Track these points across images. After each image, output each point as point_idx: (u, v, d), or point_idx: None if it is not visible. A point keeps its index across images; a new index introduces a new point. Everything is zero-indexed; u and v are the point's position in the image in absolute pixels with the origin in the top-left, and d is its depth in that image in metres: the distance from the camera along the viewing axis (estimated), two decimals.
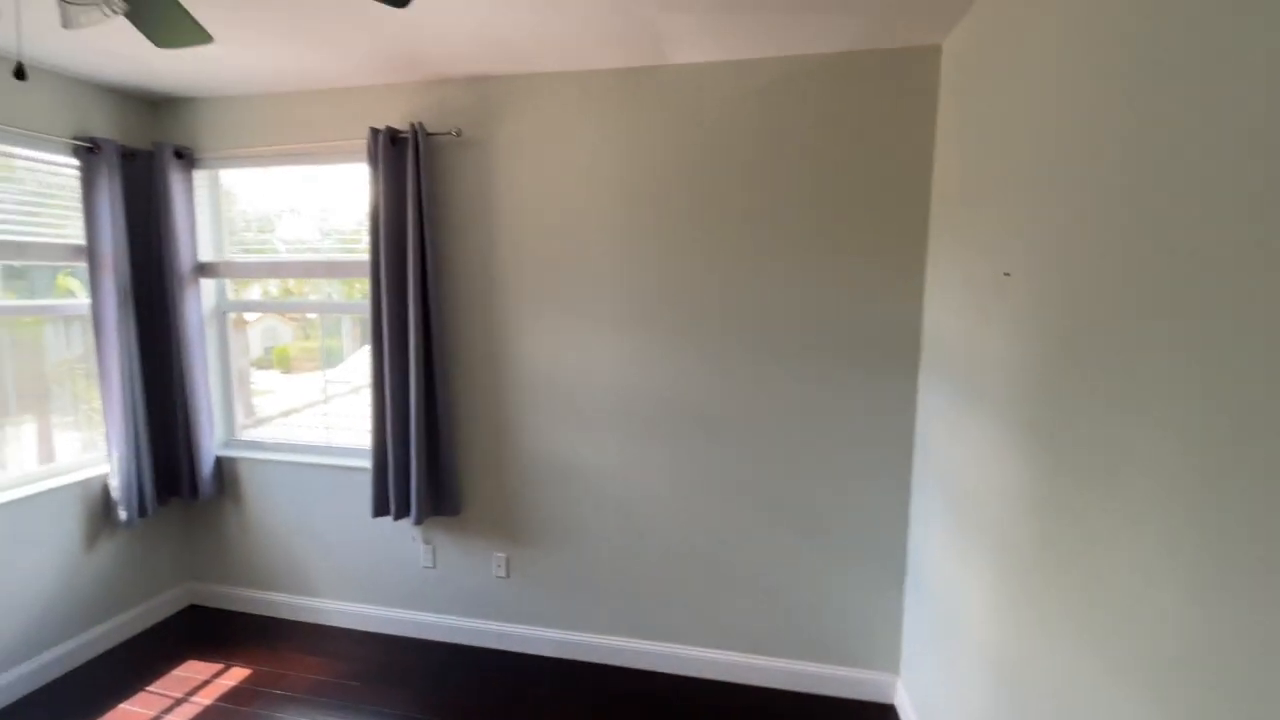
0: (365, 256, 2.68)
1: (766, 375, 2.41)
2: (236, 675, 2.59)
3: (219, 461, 3.02)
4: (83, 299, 2.71)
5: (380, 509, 2.71)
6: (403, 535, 2.85)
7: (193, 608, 3.12)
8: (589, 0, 1.88)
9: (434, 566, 2.83)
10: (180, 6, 1.31)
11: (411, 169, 2.51)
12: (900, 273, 2.27)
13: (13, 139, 2.39)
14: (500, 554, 2.75)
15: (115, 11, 1.07)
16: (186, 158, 2.84)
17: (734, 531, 2.52)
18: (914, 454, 2.33)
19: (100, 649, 2.71)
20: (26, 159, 2.49)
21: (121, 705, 2.39)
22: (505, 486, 2.72)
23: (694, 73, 2.36)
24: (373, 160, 2.54)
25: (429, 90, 2.61)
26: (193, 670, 2.62)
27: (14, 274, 2.61)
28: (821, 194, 2.30)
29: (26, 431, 2.66)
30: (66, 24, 1.06)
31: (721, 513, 2.52)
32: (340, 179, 2.87)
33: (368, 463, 2.77)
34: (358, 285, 2.98)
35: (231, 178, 3.00)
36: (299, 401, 3.33)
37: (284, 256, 3.01)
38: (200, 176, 2.93)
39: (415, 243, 2.53)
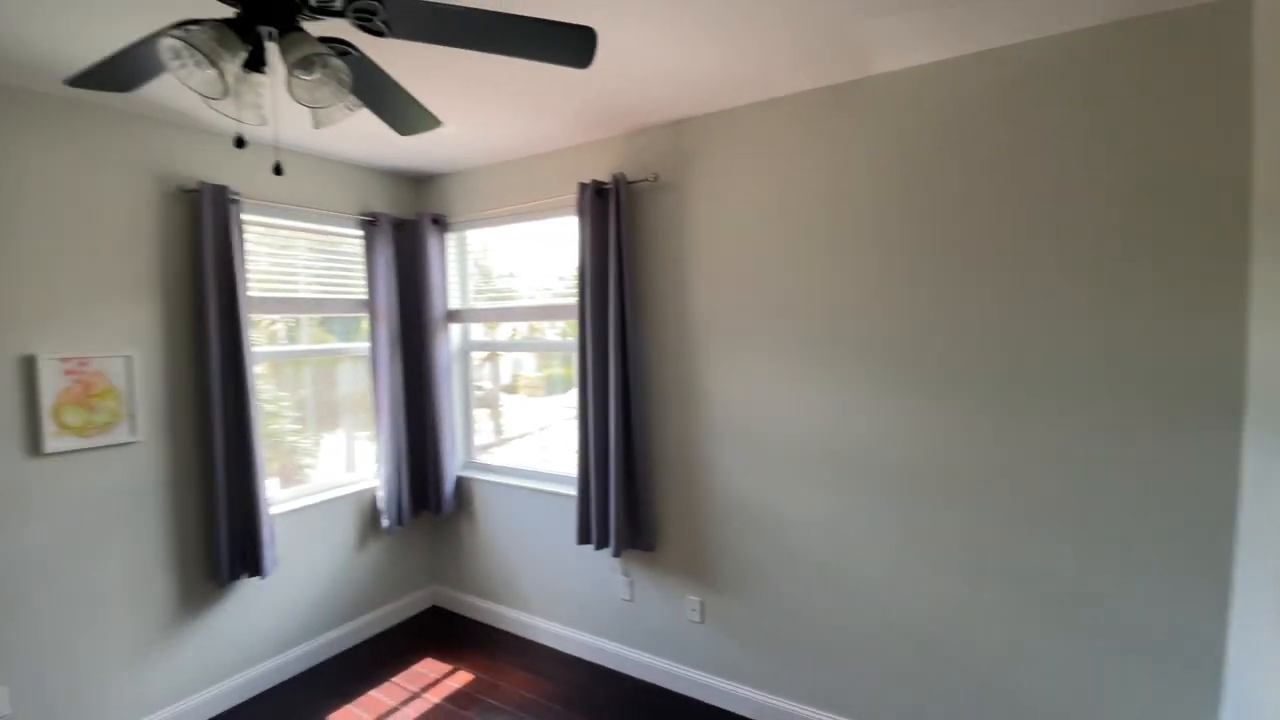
0: (575, 301, 2.88)
1: (1014, 425, 2.00)
2: (461, 679, 2.88)
3: (459, 481, 3.45)
4: (364, 343, 3.34)
5: (583, 536, 2.83)
6: (604, 564, 2.94)
7: (434, 609, 3.58)
8: (784, 21, 1.79)
9: (632, 600, 2.86)
10: (410, 99, 1.53)
11: (613, 217, 2.64)
12: (1208, 294, 1.73)
13: (319, 218, 3.05)
14: (694, 597, 2.68)
15: (353, 109, 1.28)
16: (441, 223, 3.37)
17: (966, 614, 2.11)
18: (1236, 535, 1.72)
19: (361, 637, 3.24)
20: (327, 232, 3.16)
21: (371, 692, 2.80)
22: (698, 528, 2.65)
23: (910, 79, 2.12)
24: (580, 212, 2.73)
25: (630, 141, 2.74)
26: (429, 668, 2.98)
27: (324, 322, 3.32)
28: (1092, 204, 1.87)
29: (323, 449, 3.33)
30: (317, 125, 1.29)
31: (950, 589, 2.14)
32: (557, 232, 3.14)
33: (574, 490, 2.94)
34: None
35: (473, 237, 3.48)
36: (530, 426, 3.68)
37: (509, 303, 3.38)
38: (451, 238, 3.45)
39: (615, 285, 2.64)
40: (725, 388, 2.55)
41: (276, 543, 2.80)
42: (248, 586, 2.75)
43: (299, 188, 2.93)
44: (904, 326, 2.17)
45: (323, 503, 3.06)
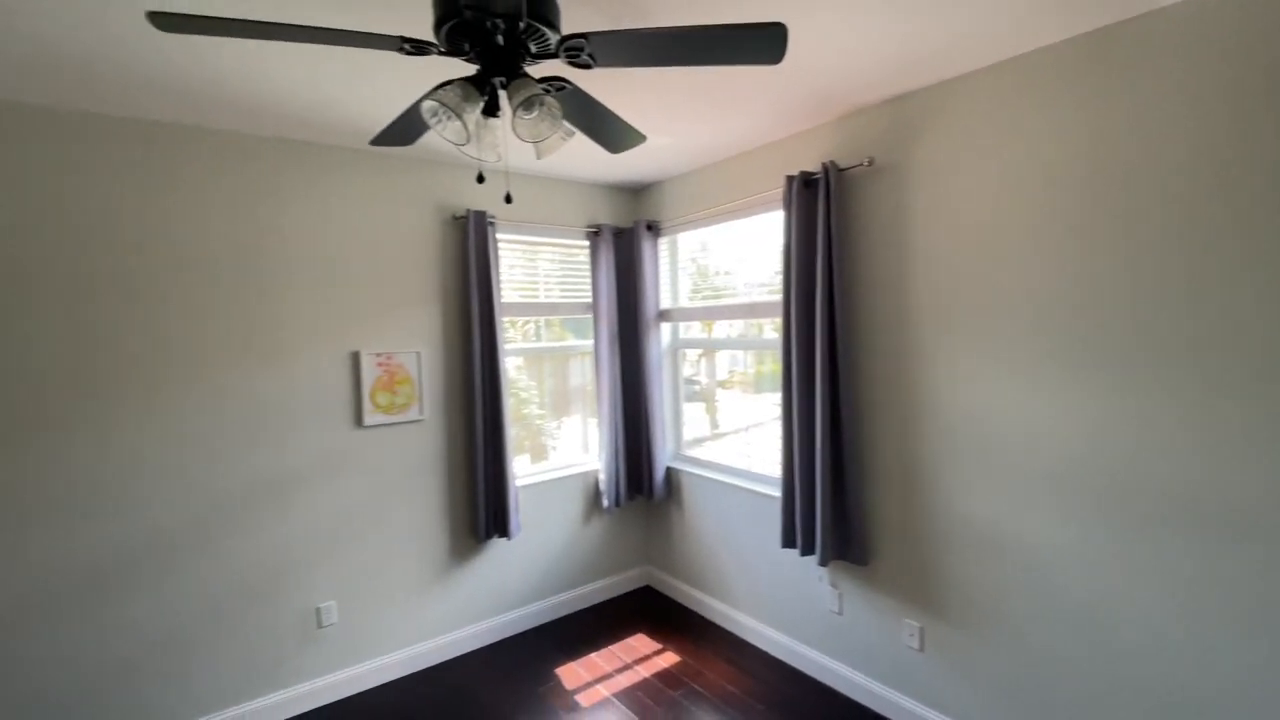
0: (776, 298, 2.83)
1: None
2: (669, 659, 3.04)
3: (668, 470, 3.64)
4: (589, 341, 3.71)
5: (787, 541, 2.77)
6: (811, 572, 2.85)
7: (647, 588, 3.83)
8: None
9: (841, 613, 2.72)
10: (617, 119, 1.65)
11: (822, 207, 2.52)
12: None
13: (553, 232, 3.46)
14: (913, 622, 2.45)
15: (567, 137, 1.43)
16: (654, 229, 3.58)
17: None
18: None
19: (583, 604, 3.60)
20: (559, 244, 3.56)
21: (591, 655, 3.11)
22: (918, 548, 2.41)
23: (1208, 10, 1.64)
24: (787, 205, 2.66)
25: (840, 127, 2.59)
26: (640, 642, 3.20)
27: (564, 321, 3.77)
28: None
29: (562, 431, 3.78)
30: (539, 156, 1.47)
31: (1265, 661, 1.62)
32: (766, 228, 3.12)
33: (779, 492, 2.90)
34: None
35: (684, 239, 3.62)
36: (744, 422, 3.73)
37: (718, 302, 3.45)
38: (663, 242, 3.64)
39: (824, 280, 2.53)
40: (952, 394, 2.27)
41: (520, 510, 3.27)
42: (498, 545, 3.27)
43: (536, 207, 3.37)
44: (1206, 329, 1.70)
45: (556, 479, 3.48)
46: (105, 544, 2.29)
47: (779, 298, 2.97)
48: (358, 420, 2.84)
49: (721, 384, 3.78)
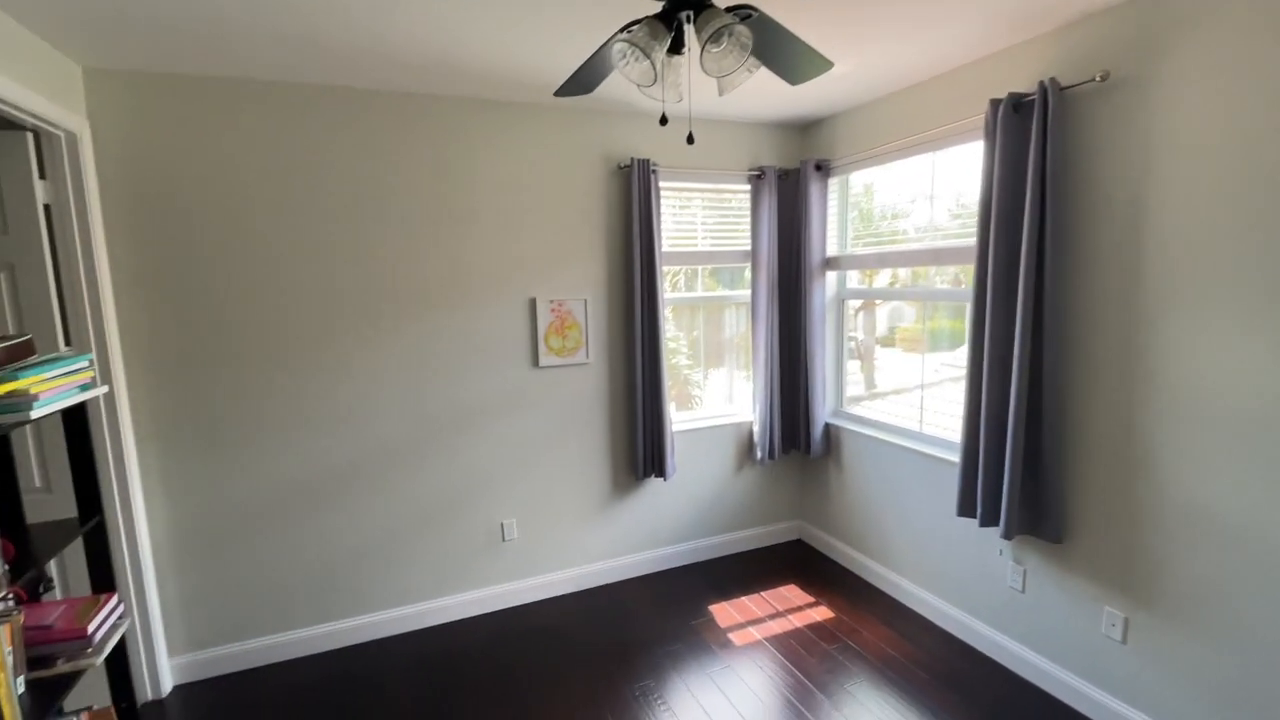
0: (972, 242, 2.54)
1: None
2: (822, 613, 3.01)
3: (827, 427, 3.52)
4: (746, 291, 3.63)
5: (965, 509, 2.56)
6: (988, 544, 2.63)
7: (799, 542, 3.80)
8: None
9: (1023, 591, 2.49)
10: (803, 46, 1.52)
11: (1036, 135, 2.17)
12: None
13: (713, 177, 3.37)
14: (1115, 610, 2.17)
15: (753, 70, 1.35)
16: (823, 168, 3.35)
17: None
18: None
19: (733, 550, 3.67)
20: (719, 190, 3.47)
21: (742, 598, 3.17)
22: (1129, 530, 2.10)
23: None
24: (989, 134, 2.34)
25: (1063, 38, 2.19)
26: (792, 593, 3.20)
27: (714, 272, 3.73)
28: None
29: (711, 382, 3.80)
30: (721, 93, 1.41)
31: None
32: (955, 163, 2.78)
33: (956, 457, 2.69)
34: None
35: (856, 179, 3.35)
36: (907, 381, 3.48)
37: (891, 248, 3.17)
38: (832, 183, 3.40)
39: (1032, 224, 2.20)
40: (1189, 364, 1.90)
41: (675, 454, 3.37)
42: (654, 485, 3.41)
43: (698, 152, 3.30)
44: None
45: (708, 428, 3.53)
46: (343, 454, 2.75)
47: (967, 243, 2.67)
48: (534, 361, 3.07)
49: (882, 340, 3.52)
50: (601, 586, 3.32)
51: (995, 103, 2.30)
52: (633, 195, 3.06)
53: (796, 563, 3.55)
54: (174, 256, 2.46)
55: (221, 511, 2.60)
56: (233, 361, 2.56)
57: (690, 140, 1.60)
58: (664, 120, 1.47)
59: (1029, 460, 2.33)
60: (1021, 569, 2.49)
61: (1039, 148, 2.17)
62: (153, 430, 2.48)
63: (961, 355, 3.02)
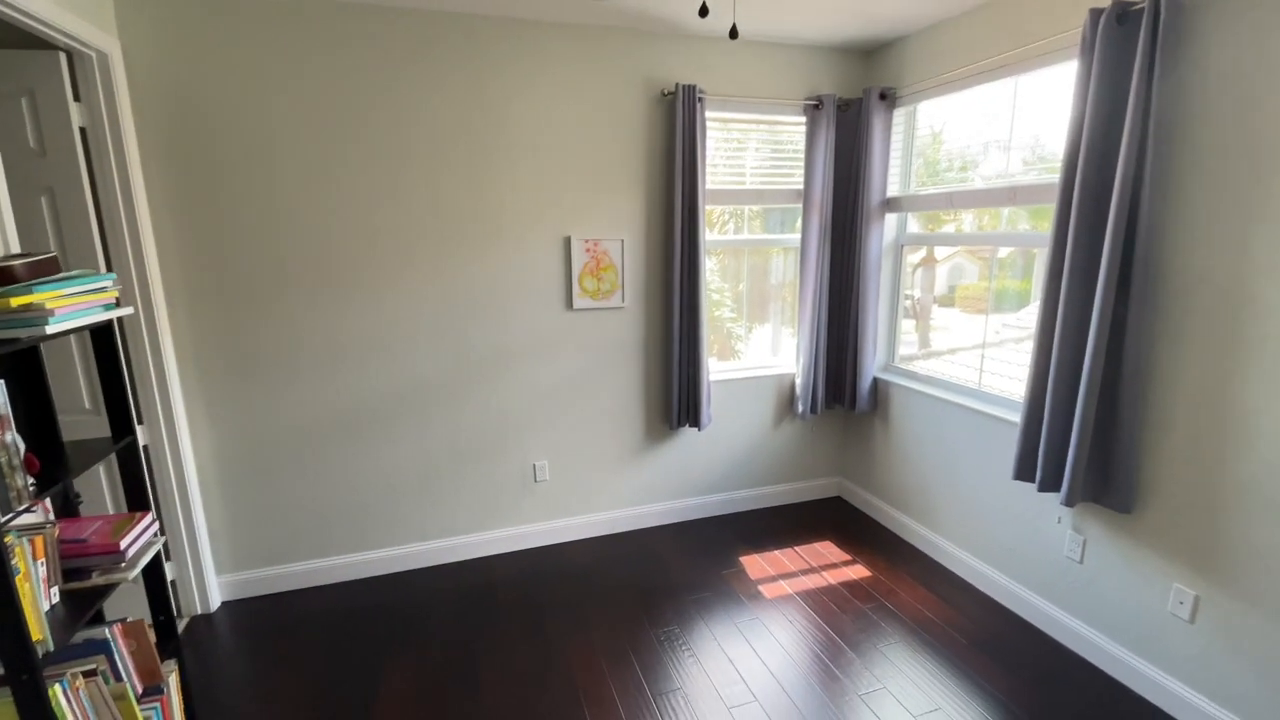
0: (1050, 179, 2.27)
1: None
2: (858, 571, 2.91)
3: (875, 382, 3.33)
4: (794, 235, 3.40)
5: (1023, 472, 2.38)
6: (1045, 510, 2.45)
7: (838, 499, 3.68)
8: None
9: (1080, 561, 2.32)
10: None
11: (1143, 53, 1.87)
12: None
13: (765, 107, 3.11)
14: (1185, 588, 1.98)
15: None
16: (889, 98, 3.04)
17: None
18: None
19: (768, 503, 3.58)
20: (771, 122, 3.20)
21: (774, 551, 3.09)
22: (1212, 508, 1.89)
23: None
24: (1085, 51, 2.03)
25: None
26: (828, 550, 3.11)
27: (757, 215, 3.50)
28: None
29: (754, 332, 3.63)
30: None
31: None
32: (1042, 89, 2.46)
33: (1017, 417, 2.49)
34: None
35: (927, 109, 3.03)
36: (965, 341, 3.24)
37: (960, 186, 2.88)
38: (899, 115, 3.10)
39: (1128, 162, 1.92)
40: None
41: (712, 404, 3.26)
42: (688, 434, 3.32)
43: (748, 78, 3.04)
44: None
45: (747, 379, 3.39)
46: (381, 387, 2.75)
47: (1047, 180, 2.39)
48: (568, 303, 2.97)
49: (940, 299, 3.26)
50: (631, 532, 3.30)
51: (1096, 12, 1.99)
52: (676, 126, 2.85)
53: (834, 520, 3.44)
54: (209, 182, 2.42)
55: (263, 437, 2.65)
56: (270, 289, 2.55)
57: (734, 34, 1.41)
58: (704, 11, 1.29)
59: (1100, 425, 2.11)
60: (1081, 538, 2.31)
61: (1144, 69, 1.86)
62: (193, 353, 2.52)
63: (1026, 317, 2.79)
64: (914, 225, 3.22)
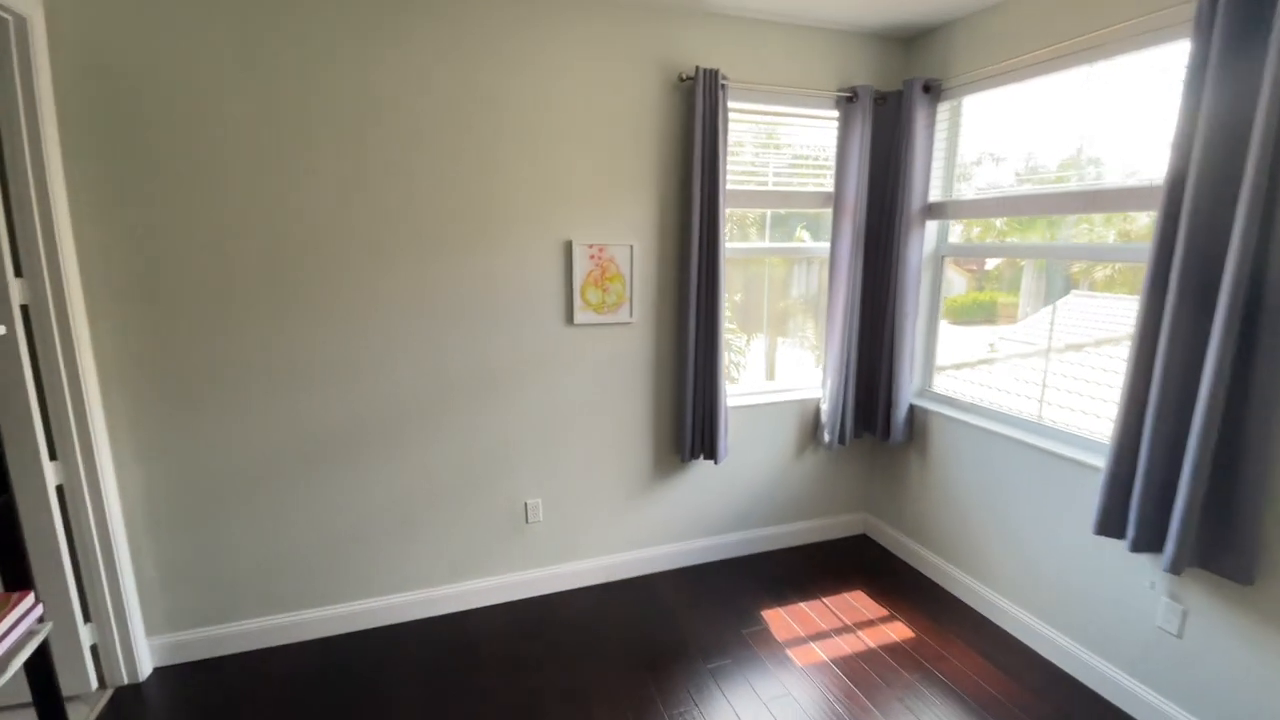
0: (1148, 181, 1.92)
1: None
2: (899, 631, 2.52)
3: (912, 409, 2.95)
4: (821, 243, 3.03)
5: (1109, 527, 2.01)
6: (1130, 569, 2.08)
7: (864, 538, 3.30)
8: None
9: (1179, 636, 1.95)
10: None
11: None
12: None
13: (794, 99, 2.74)
14: None
15: None
16: (933, 90, 2.69)
17: None
18: None
19: (786, 543, 3.18)
20: (800, 115, 2.82)
21: (801, 604, 2.70)
22: None
23: None
24: (1202, 28, 1.68)
25: None
26: (860, 602, 2.72)
27: (776, 221, 3.13)
28: None
29: (756, 349, 3.25)
30: None
31: None
32: (1123, 76, 2.11)
33: (1095, 458, 2.13)
34: (1126, 224, 2.21)
35: (977, 103, 2.68)
36: (967, 357, 2.91)
37: (1024, 189, 2.53)
38: (942, 110, 2.74)
39: (1260, 164, 1.57)
40: None
41: (729, 433, 2.87)
42: (702, 467, 2.93)
43: (774, 65, 2.68)
44: None
45: (768, 404, 3.00)
46: (346, 415, 2.34)
47: (1141, 183, 2.03)
48: (568, 317, 2.58)
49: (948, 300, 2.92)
50: (636, 579, 2.90)
51: None
52: (696, 116, 2.48)
53: (862, 563, 3.05)
54: (143, 173, 2.02)
55: (205, 475, 2.24)
56: (216, 299, 2.14)
57: None
58: None
59: (1218, 476, 1.74)
60: (1180, 608, 1.93)
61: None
62: (120, 375, 2.10)
63: (1024, 331, 2.48)
64: (958, 230, 2.87)
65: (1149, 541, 1.89)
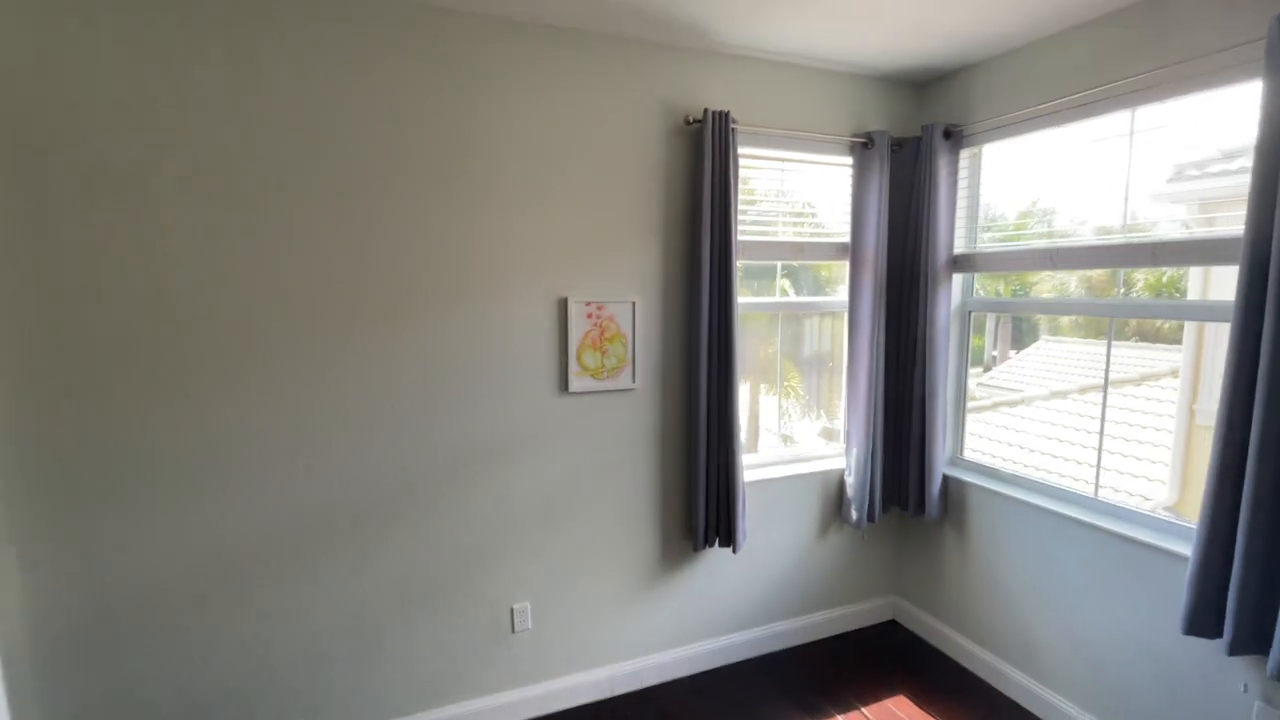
0: (1220, 232, 1.72)
1: None
2: None
3: (945, 480, 2.65)
4: (840, 297, 2.78)
5: (1200, 625, 1.71)
6: (1216, 667, 1.76)
7: (894, 624, 2.93)
8: None
9: None
10: None
11: None
12: None
13: (806, 144, 2.52)
14: None
15: None
16: (954, 136, 2.51)
17: None
18: None
19: (813, 636, 2.80)
20: (812, 162, 2.61)
21: (838, 717, 2.30)
22: None
23: None
24: (1272, 69, 1.49)
25: None
26: (906, 712, 2.34)
27: (791, 273, 2.88)
28: None
29: (778, 416, 2.95)
30: None
31: None
32: (1170, 121, 1.94)
33: (1175, 543, 1.85)
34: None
35: (1000, 151, 2.51)
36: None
37: (1054, 243, 2.32)
38: (965, 156, 2.56)
39: None
40: None
41: (747, 516, 2.52)
42: (716, 555, 2.56)
43: (786, 109, 2.47)
44: None
45: (787, 477, 2.67)
46: (285, 513, 1.93)
47: (1214, 234, 1.82)
48: (562, 385, 2.24)
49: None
50: (642, 691, 2.47)
51: None
52: (705, 161, 2.24)
53: (897, 658, 2.68)
54: (31, 213, 1.64)
55: (107, 597, 1.78)
56: (120, 377, 1.74)
57: None
58: None
59: None
60: (1276, 713, 1.62)
61: None
62: None
63: (1000, 376, 2.27)
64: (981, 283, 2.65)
65: (1251, 642, 1.60)
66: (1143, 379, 4.29)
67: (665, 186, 2.31)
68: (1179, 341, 3.88)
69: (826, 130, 2.54)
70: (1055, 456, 3.04)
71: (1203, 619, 1.71)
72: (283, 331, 1.87)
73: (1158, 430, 3.90)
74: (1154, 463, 3.81)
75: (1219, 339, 3.49)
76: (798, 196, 2.70)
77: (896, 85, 2.67)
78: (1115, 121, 2.07)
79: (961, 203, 2.59)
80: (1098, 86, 2.02)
